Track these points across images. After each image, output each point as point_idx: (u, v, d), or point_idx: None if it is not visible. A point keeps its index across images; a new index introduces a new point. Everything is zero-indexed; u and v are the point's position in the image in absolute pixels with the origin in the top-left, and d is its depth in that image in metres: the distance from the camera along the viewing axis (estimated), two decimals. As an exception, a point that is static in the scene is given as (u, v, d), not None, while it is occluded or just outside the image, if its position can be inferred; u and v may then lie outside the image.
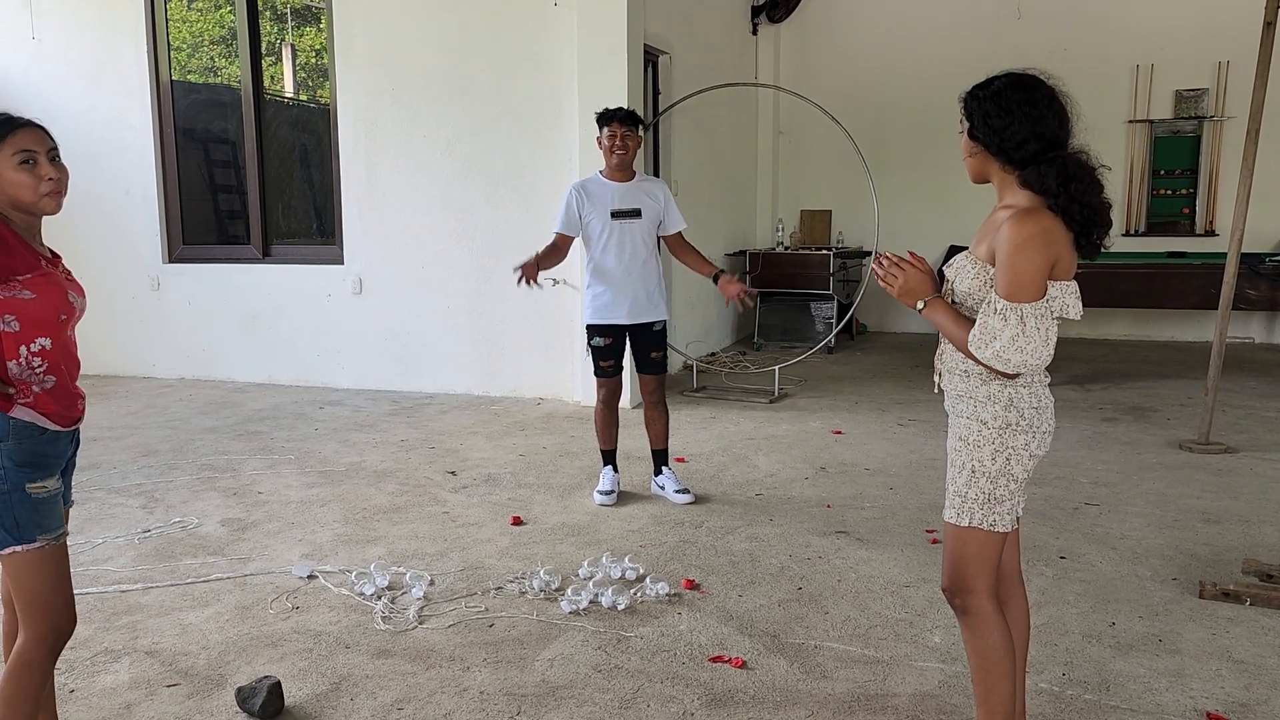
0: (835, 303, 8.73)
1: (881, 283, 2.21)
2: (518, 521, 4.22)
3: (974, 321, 2.07)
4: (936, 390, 2.27)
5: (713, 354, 8.33)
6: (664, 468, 4.62)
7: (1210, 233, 8.98)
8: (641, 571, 3.59)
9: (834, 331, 7.67)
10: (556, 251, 4.41)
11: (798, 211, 10.10)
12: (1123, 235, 9.18)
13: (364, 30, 6.94)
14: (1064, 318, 2.06)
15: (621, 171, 4.38)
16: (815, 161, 10.07)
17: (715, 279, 4.39)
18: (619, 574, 3.57)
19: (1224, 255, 7.65)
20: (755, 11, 9.52)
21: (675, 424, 6.02)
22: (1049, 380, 2.18)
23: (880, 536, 4.01)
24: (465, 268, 6.90)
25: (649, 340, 4.47)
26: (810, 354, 7.25)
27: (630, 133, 4.30)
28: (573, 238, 4.43)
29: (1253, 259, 6.91)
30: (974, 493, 2.14)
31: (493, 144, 6.73)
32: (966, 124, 2.15)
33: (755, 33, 9.66)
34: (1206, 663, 2.89)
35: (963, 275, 2.14)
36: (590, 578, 3.54)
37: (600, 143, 4.36)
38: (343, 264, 7.22)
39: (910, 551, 3.83)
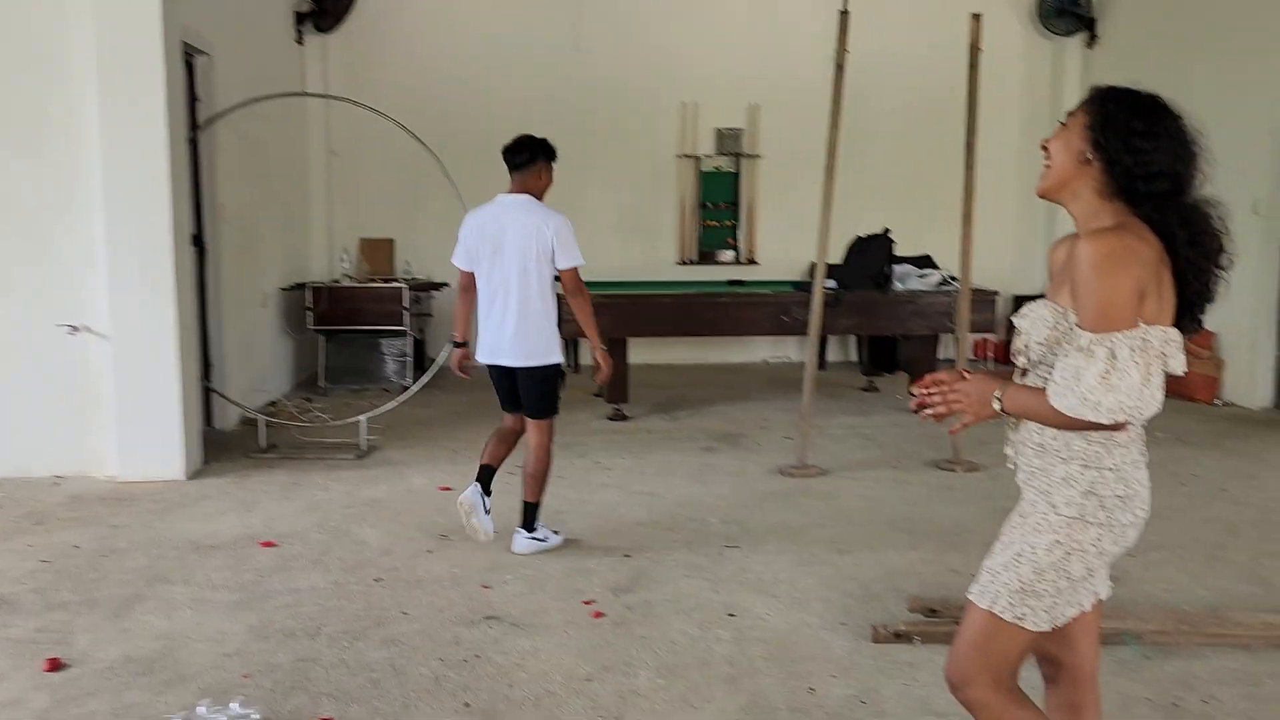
0: (410, 339, 8.07)
1: (945, 415, 1.91)
2: (56, 665, 3.08)
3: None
4: (1010, 465, 1.94)
5: (273, 403, 7.25)
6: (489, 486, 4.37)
7: (753, 261, 9.67)
8: (258, 718, 2.72)
9: (428, 374, 6.93)
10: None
11: (356, 240, 9.27)
12: (678, 264, 9.59)
13: None
14: (1166, 372, 1.72)
15: None
16: (371, 186, 9.28)
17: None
18: (227, 727, 2.67)
19: (780, 284, 8.32)
20: (300, 19, 8.56)
21: (251, 496, 5.02)
22: (1146, 459, 1.83)
23: (536, 616, 3.49)
24: (-63, 313, 5.24)
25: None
26: (401, 399, 6.51)
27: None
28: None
29: (804, 287, 7.42)
30: (1009, 577, 1.83)
31: (-32, 158, 5.19)
32: (1090, 130, 1.75)
33: (301, 42, 8.70)
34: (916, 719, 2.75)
35: (1039, 324, 1.79)
36: (186, 740, 2.61)
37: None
38: None
39: (575, 632, 3.35)
